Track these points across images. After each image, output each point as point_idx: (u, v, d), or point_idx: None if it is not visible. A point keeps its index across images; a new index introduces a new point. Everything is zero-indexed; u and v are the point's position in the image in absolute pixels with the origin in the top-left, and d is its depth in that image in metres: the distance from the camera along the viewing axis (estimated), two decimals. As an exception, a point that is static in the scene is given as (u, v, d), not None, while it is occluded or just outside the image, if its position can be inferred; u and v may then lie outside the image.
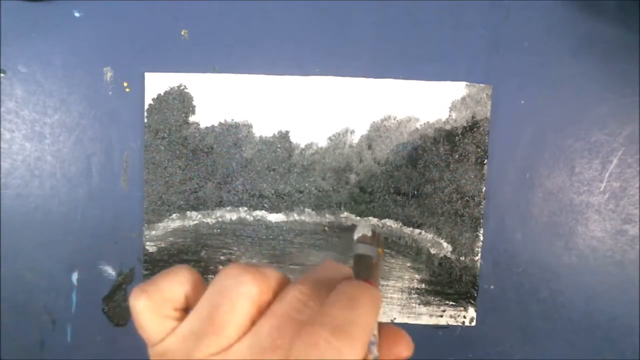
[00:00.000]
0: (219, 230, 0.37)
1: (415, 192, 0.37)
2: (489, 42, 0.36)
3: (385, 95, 0.37)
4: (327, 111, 0.37)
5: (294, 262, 0.37)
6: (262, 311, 0.18)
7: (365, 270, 0.20)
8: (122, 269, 0.38)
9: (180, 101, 0.37)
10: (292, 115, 0.37)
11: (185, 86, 0.37)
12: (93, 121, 0.37)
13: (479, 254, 0.37)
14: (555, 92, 0.37)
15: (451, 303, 0.38)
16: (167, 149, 0.37)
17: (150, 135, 0.37)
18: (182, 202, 0.37)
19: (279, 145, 0.37)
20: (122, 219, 0.38)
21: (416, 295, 0.37)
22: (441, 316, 0.38)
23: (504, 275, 0.38)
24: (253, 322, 0.18)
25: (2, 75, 0.37)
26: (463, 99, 0.37)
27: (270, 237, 0.38)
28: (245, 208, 0.37)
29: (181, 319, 0.19)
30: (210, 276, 0.38)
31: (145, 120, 0.37)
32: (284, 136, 0.37)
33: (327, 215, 0.37)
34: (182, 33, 0.37)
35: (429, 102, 0.37)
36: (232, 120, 0.37)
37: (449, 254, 0.37)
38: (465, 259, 0.37)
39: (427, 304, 0.38)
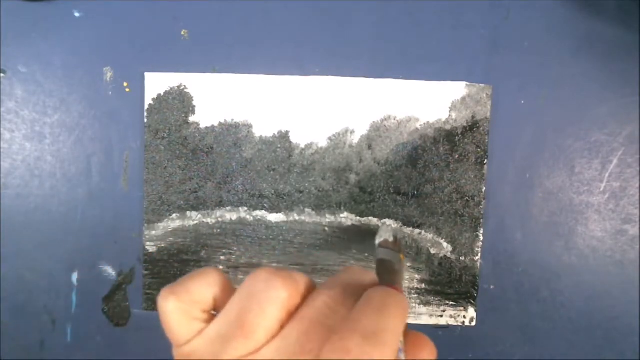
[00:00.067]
0: (219, 230, 0.37)
1: (415, 192, 0.37)
2: (489, 42, 0.36)
3: (385, 95, 0.37)
4: (327, 111, 0.37)
5: (294, 262, 0.37)
6: (290, 315, 0.18)
7: (389, 276, 0.20)
8: (122, 269, 0.38)
9: (180, 101, 0.37)
10: (292, 115, 0.37)
11: (185, 86, 0.37)
12: (93, 121, 0.37)
13: (479, 254, 0.37)
14: (555, 92, 0.37)
15: (451, 303, 0.38)
16: (167, 149, 0.37)
17: (150, 135, 0.37)
18: (182, 202, 0.37)
19: (279, 145, 0.37)
20: (122, 219, 0.38)
21: (416, 295, 0.37)
22: (441, 316, 0.38)
23: (504, 275, 0.38)
24: (281, 326, 0.18)
25: (2, 75, 0.37)
26: (463, 99, 0.37)
27: (270, 237, 0.38)
28: (245, 208, 0.37)
29: (208, 321, 0.19)
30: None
31: (145, 120, 0.37)
32: (284, 136, 0.37)
33: (327, 215, 0.37)
34: (182, 33, 0.37)
35: (429, 102, 0.37)
36: (232, 120, 0.37)
37: (449, 254, 0.37)
38: (465, 259, 0.37)
39: (427, 304, 0.38)
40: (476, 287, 0.37)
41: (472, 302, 0.38)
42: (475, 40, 0.36)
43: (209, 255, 0.38)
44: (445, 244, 0.37)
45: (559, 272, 0.37)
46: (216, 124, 0.37)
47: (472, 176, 0.37)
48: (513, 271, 0.38)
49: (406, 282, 0.37)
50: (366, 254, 0.38)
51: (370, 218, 0.37)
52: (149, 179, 0.37)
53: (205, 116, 0.37)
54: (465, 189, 0.37)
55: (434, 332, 0.38)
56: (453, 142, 0.37)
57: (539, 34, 0.36)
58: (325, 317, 0.18)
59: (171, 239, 0.37)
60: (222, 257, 0.38)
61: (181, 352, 0.19)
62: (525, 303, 0.38)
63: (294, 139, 0.37)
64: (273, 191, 0.37)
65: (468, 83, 0.36)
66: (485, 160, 0.37)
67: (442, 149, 0.37)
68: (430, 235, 0.37)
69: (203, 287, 0.20)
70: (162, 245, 0.37)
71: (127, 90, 0.37)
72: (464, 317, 0.38)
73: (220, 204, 0.37)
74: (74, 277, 0.38)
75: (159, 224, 0.37)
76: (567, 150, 0.37)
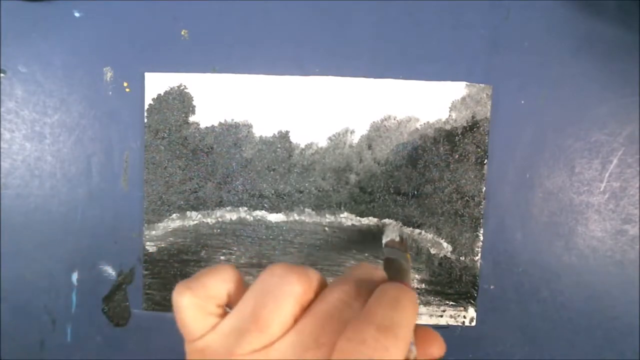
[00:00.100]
0: (219, 230, 0.37)
1: (415, 192, 0.37)
2: (489, 42, 0.36)
3: (385, 95, 0.37)
4: (327, 111, 0.37)
5: (294, 262, 0.37)
6: (304, 310, 0.19)
7: (398, 274, 0.21)
8: (122, 269, 0.38)
9: (180, 101, 0.37)
10: (292, 115, 0.37)
11: (185, 86, 0.37)
12: (93, 121, 0.37)
13: (479, 254, 0.37)
14: (555, 92, 0.37)
15: (451, 303, 0.38)
16: (167, 149, 0.37)
17: (150, 135, 0.37)
18: (182, 202, 0.37)
19: (279, 145, 0.37)
20: (122, 219, 0.38)
21: (416, 295, 0.37)
22: (441, 316, 0.38)
23: (504, 275, 0.38)
24: (295, 321, 0.18)
25: (2, 75, 0.37)
26: (463, 99, 0.37)
27: (270, 237, 0.38)
28: (245, 208, 0.37)
29: (222, 316, 0.19)
30: (210, 276, 0.38)
31: (145, 120, 0.37)
32: (284, 136, 0.37)
33: (327, 215, 0.37)
34: (182, 33, 0.37)
35: (429, 102, 0.37)
36: (232, 120, 0.37)
37: (449, 254, 0.37)
38: (465, 259, 0.37)
39: (427, 304, 0.38)
40: (476, 287, 0.37)
41: (472, 302, 0.38)
42: (475, 40, 0.36)
43: (209, 255, 0.38)
44: (445, 244, 0.37)
45: (559, 272, 0.37)
46: (216, 124, 0.37)
47: (472, 176, 0.37)
48: (513, 271, 0.38)
49: (406, 282, 0.37)
50: (366, 254, 0.38)
51: (370, 218, 0.37)
52: (149, 179, 0.37)
53: (205, 116, 0.37)
54: (465, 189, 0.37)
55: (434, 332, 0.38)
56: (453, 142, 0.37)
57: (539, 34, 0.36)
58: (339, 312, 0.18)
59: (171, 239, 0.37)
60: (222, 257, 0.38)
61: (194, 347, 0.19)
62: (525, 303, 0.38)
63: (294, 139, 0.37)
64: (273, 191, 0.37)
65: (468, 83, 0.36)
66: (485, 160, 0.37)
67: (442, 149, 0.37)
68: (430, 235, 0.37)
69: (218, 282, 0.20)
70: (162, 245, 0.37)
71: (127, 90, 0.37)
72: (464, 317, 0.38)
73: (220, 204, 0.37)
74: (74, 277, 0.38)
75: (159, 224, 0.37)
76: (567, 150, 0.37)
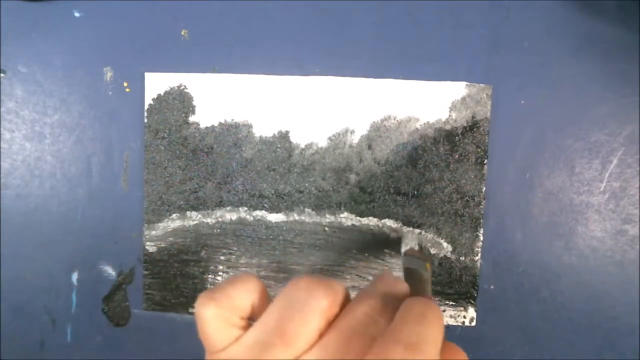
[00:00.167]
0: (219, 230, 0.37)
1: (415, 192, 0.37)
2: (489, 42, 0.36)
3: (385, 95, 0.37)
4: (327, 111, 0.37)
5: (294, 262, 0.37)
6: (329, 324, 0.19)
7: (420, 285, 0.21)
8: (122, 269, 0.38)
9: (180, 101, 0.37)
10: (292, 115, 0.37)
11: (185, 86, 0.37)
12: (93, 121, 0.37)
13: (479, 254, 0.37)
14: (555, 92, 0.37)
15: (451, 303, 0.38)
16: (167, 149, 0.37)
17: (150, 135, 0.37)
18: (182, 202, 0.37)
19: (279, 145, 0.37)
20: (122, 219, 0.38)
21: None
22: (441, 316, 0.38)
23: (504, 275, 0.38)
24: (320, 335, 0.18)
25: (2, 75, 0.37)
26: (463, 99, 0.37)
27: (270, 237, 0.38)
28: (245, 208, 0.37)
29: (245, 328, 0.19)
30: (210, 276, 0.38)
31: (145, 120, 0.37)
32: (284, 136, 0.37)
33: (327, 215, 0.37)
34: (182, 33, 0.37)
35: (429, 102, 0.37)
36: (232, 120, 0.37)
37: (449, 254, 0.37)
38: (465, 259, 0.37)
39: (427, 304, 0.38)
40: (476, 287, 0.37)
41: (472, 302, 0.38)
42: (475, 40, 0.36)
43: (209, 255, 0.38)
44: (445, 244, 0.37)
45: (559, 272, 0.37)
46: (216, 124, 0.37)
47: (472, 176, 0.37)
48: (513, 271, 0.38)
49: (406, 282, 0.37)
50: (366, 254, 0.38)
51: (370, 218, 0.37)
52: (149, 179, 0.37)
53: (205, 116, 0.37)
54: (465, 189, 0.37)
55: (434, 332, 0.38)
56: (453, 142, 0.37)
57: (539, 34, 0.36)
58: (365, 327, 0.18)
59: (171, 239, 0.37)
60: (222, 257, 0.38)
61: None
62: (525, 303, 0.38)
63: (294, 139, 0.37)
64: (273, 191, 0.37)
65: (468, 83, 0.36)
66: (485, 160, 0.37)
67: (442, 149, 0.37)
68: (430, 235, 0.37)
69: (243, 293, 0.20)
70: (162, 245, 0.37)
71: (127, 90, 0.37)
72: (464, 317, 0.38)
73: (220, 204, 0.37)
74: (74, 277, 0.38)
75: (159, 224, 0.37)
76: (567, 150, 0.37)
